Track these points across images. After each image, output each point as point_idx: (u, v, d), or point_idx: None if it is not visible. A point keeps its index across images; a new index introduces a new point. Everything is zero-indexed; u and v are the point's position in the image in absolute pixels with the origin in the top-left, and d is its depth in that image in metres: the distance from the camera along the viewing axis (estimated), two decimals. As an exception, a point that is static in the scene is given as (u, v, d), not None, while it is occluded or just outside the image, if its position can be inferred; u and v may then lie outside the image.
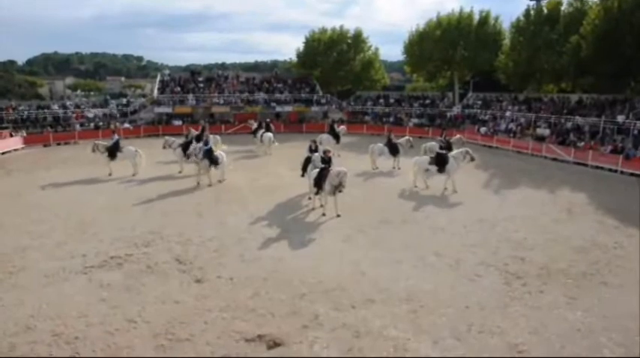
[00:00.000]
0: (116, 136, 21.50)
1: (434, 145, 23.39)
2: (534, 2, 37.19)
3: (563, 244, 12.12)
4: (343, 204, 14.63)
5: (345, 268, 10.42)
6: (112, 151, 20.66)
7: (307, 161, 16.65)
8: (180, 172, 21.12)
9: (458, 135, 25.35)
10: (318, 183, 14.44)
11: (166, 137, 22.88)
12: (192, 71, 51.72)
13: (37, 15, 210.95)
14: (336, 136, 26.62)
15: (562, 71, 33.46)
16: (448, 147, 23.13)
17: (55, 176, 20.50)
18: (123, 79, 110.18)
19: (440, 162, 17.90)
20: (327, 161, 14.81)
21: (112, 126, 34.58)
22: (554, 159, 26.32)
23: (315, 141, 17.49)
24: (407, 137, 24.01)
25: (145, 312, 8.39)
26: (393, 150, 22.38)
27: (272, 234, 12.78)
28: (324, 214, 14.42)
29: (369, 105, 43.62)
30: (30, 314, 8.27)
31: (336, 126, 28.16)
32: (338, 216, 14.24)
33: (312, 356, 7.20)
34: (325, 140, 25.70)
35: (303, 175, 16.76)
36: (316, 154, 16.09)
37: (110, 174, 20.47)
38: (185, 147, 20.98)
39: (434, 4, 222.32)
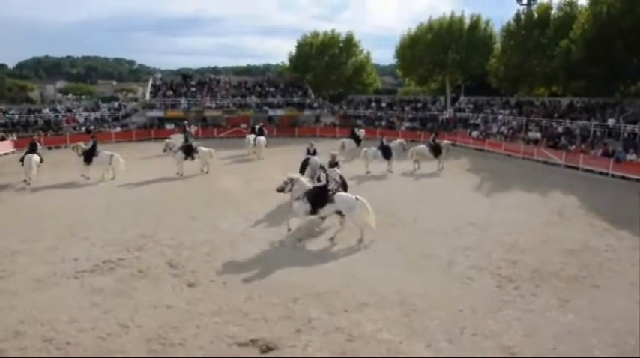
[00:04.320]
0: (91, 141, 21.47)
1: (423, 148, 23.55)
2: (524, 7, 37.51)
3: (554, 247, 12.17)
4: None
5: (338, 272, 10.41)
6: (88, 155, 20.61)
7: (304, 163, 16.57)
8: (181, 175, 21.35)
9: (446, 141, 25.45)
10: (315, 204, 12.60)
11: (167, 140, 22.96)
12: (185, 75, 51.67)
13: (27, 18, 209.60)
14: (358, 140, 26.47)
15: (552, 75, 33.76)
16: (438, 149, 23.37)
17: (46, 179, 20.32)
18: (114, 82, 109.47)
19: None
20: (334, 165, 14.63)
21: (105, 130, 34.71)
22: (546, 163, 26.46)
23: (312, 144, 17.39)
24: (399, 140, 24.12)
25: (138, 317, 8.34)
26: (387, 153, 22.44)
27: (265, 237, 12.73)
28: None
29: (361, 108, 43.74)
30: (20, 320, 8.19)
31: (356, 129, 28.07)
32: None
33: (305, 360, 7.19)
34: (348, 144, 25.74)
35: None
36: (314, 157, 16.00)
37: (88, 178, 20.45)
38: (185, 150, 21.36)
39: (426, 9, 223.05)
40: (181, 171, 21.50)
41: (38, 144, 22.04)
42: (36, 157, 20.62)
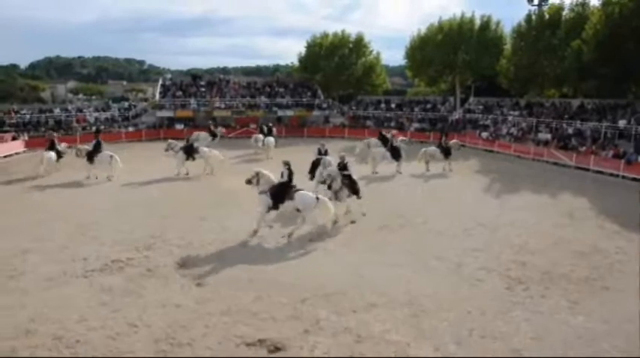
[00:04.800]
0: (95, 141, 21.81)
1: (434, 150, 23.43)
2: (536, 7, 37.29)
3: (564, 249, 12.10)
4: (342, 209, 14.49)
5: (346, 272, 10.40)
6: (91, 155, 20.95)
7: (315, 164, 16.40)
8: (186, 174, 21.50)
9: (454, 140, 25.35)
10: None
11: (169, 140, 23.13)
12: (194, 75, 51.84)
13: (39, 19, 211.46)
14: (386, 141, 26.01)
15: (563, 76, 33.48)
16: (448, 151, 23.28)
17: (56, 179, 20.50)
18: (125, 82, 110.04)
19: None
20: (343, 166, 14.75)
21: (114, 130, 35.32)
22: (556, 164, 26.29)
23: (323, 144, 17.21)
24: (401, 138, 24.00)
25: (146, 316, 8.37)
26: (395, 154, 22.32)
27: (273, 237, 12.75)
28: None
29: (371, 109, 43.69)
30: (31, 318, 8.25)
31: (385, 132, 27.80)
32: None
33: (313, 361, 7.19)
34: (374, 144, 25.53)
35: (311, 179, 16.55)
36: (327, 157, 15.86)
37: (96, 178, 20.71)
38: (187, 150, 21.64)
39: (436, 9, 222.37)
40: (183, 171, 21.61)
41: (56, 141, 22.82)
42: (51, 154, 21.55)
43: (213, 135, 30.18)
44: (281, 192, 12.75)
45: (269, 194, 12.76)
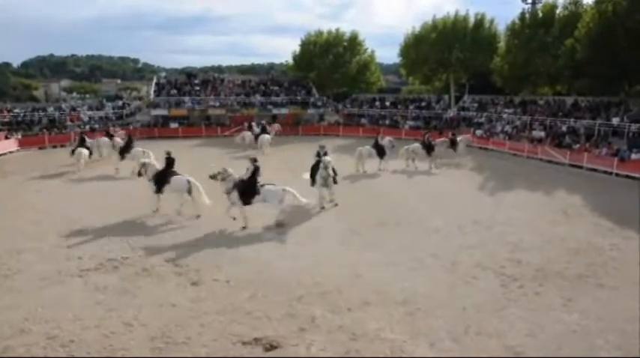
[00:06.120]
0: (79, 136, 24.25)
1: (417, 147, 23.49)
2: (529, 5, 37.38)
3: (559, 246, 12.14)
4: (337, 207, 14.75)
5: (342, 270, 10.41)
6: (73, 150, 22.99)
7: (315, 168, 15.81)
8: (116, 171, 21.70)
9: (442, 138, 25.37)
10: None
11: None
12: (189, 73, 51.72)
13: (33, 17, 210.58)
14: (454, 144, 25.74)
15: (557, 74, 33.63)
16: (430, 148, 23.32)
17: (51, 178, 20.44)
18: (119, 81, 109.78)
19: None
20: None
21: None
22: (550, 162, 26.35)
23: (323, 147, 16.97)
24: (388, 138, 23.94)
25: (141, 315, 8.36)
26: (380, 152, 22.33)
27: (268, 236, 12.76)
28: (323, 207, 15.36)
29: (365, 107, 43.71)
30: (25, 317, 8.22)
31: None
32: (335, 205, 15.56)
33: (308, 359, 7.19)
34: (443, 144, 25.12)
35: (312, 184, 15.91)
36: (326, 158, 15.48)
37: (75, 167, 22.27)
38: (121, 150, 22.69)
39: (430, 8, 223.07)
40: (117, 173, 21.51)
41: (86, 138, 24.59)
42: (84, 151, 23.00)
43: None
44: (161, 179, 14.68)
45: (152, 181, 14.75)
